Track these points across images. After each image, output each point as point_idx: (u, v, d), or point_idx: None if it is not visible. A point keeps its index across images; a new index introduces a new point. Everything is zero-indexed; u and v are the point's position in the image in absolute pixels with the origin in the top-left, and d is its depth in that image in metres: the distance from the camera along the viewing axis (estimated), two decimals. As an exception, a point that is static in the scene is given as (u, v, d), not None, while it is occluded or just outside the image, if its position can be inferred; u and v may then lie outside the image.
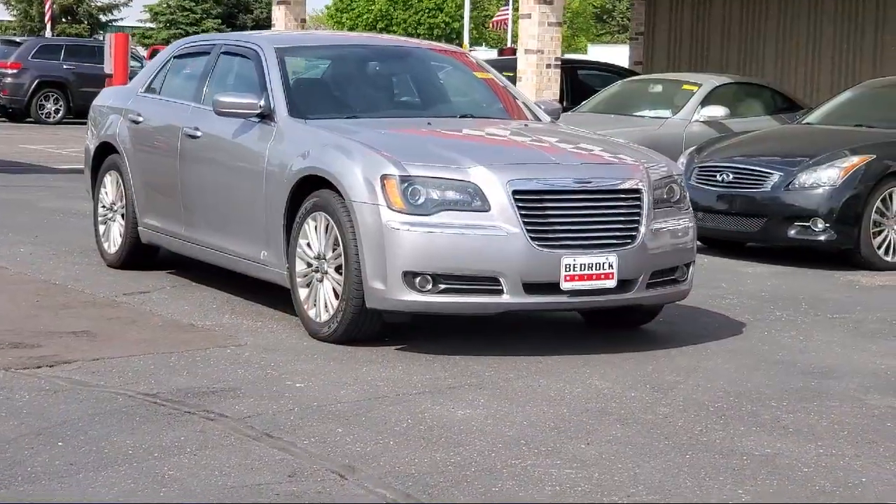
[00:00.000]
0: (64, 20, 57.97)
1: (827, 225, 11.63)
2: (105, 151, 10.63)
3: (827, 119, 13.46)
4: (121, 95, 10.86)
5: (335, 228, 7.79)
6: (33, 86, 31.66)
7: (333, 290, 7.87)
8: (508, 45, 48.32)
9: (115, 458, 5.54)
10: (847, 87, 15.10)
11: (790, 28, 20.14)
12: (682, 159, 12.83)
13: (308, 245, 8.05)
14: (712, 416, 6.58)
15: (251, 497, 5.14)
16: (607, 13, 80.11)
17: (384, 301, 7.59)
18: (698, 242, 12.78)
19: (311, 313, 8.03)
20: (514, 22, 39.83)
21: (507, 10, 50.74)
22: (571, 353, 7.85)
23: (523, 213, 7.54)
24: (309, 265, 8.06)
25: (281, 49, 9.11)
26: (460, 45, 51.37)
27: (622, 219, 7.85)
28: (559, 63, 16.69)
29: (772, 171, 11.97)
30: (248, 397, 6.61)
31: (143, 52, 47.00)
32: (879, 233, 11.78)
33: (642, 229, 7.86)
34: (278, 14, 20.37)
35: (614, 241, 7.78)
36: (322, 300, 7.95)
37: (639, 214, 7.88)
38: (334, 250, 7.85)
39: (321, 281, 7.97)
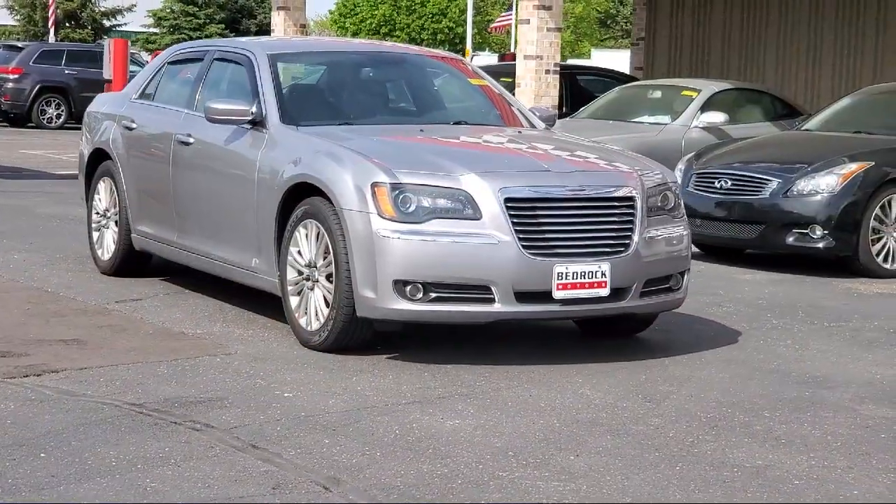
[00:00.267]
0: (67, 25, 57.96)
1: (825, 232, 11.56)
2: (99, 158, 10.57)
3: (826, 125, 13.39)
4: (115, 101, 10.81)
5: (326, 236, 7.73)
6: (35, 91, 31.64)
7: (324, 298, 7.81)
8: (511, 50, 48.24)
9: (98, 470, 5.48)
10: (847, 93, 15.01)
11: (791, 34, 20.08)
12: (681, 166, 12.77)
13: (299, 253, 7.99)
14: (704, 426, 6.52)
15: (233, 510, 5.08)
16: (611, 18, 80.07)
17: (375, 310, 7.53)
18: (696, 249, 12.84)
19: (302, 322, 7.97)
20: (517, 27, 39.75)
21: (510, 15, 50.67)
22: (564, 363, 7.78)
23: (515, 221, 7.48)
24: (300, 273, 8.00)
25: (273, 55, 9.05)
26: (463, 50, 51.33)
27: (615, 226, 7.78)
28: (558, 69, 16.61)
29: (770, 178, 11.90)
30: (236, 407, 6.55)
31: (147, 57, 46.95)
32: (878, 240, 11.72)
33: (636, 237, 7.80)
34: (277, 19, 20.31)
35: (607, 249, 7.71)
36: (313, 308, 7.89)
37: (632, 222, 7.81)
38: (325, 258, 7.79)
39: (312, 289, 7.91)
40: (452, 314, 7.54)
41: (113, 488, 5.25)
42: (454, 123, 9.01)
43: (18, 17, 60.90)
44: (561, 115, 16.81)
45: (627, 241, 7.78)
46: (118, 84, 19.47)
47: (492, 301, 7.49)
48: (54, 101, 31.84)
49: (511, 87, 16.96)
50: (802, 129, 13.66)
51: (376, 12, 67.32)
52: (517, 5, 16.96)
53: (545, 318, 8.04)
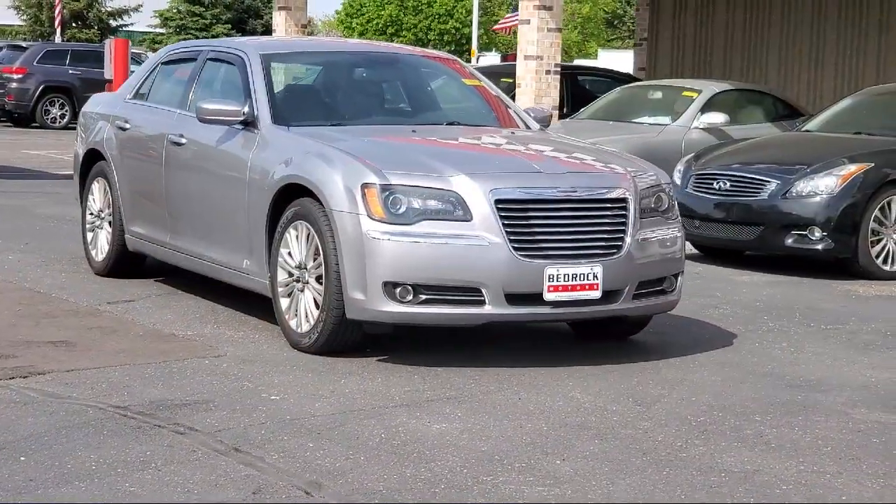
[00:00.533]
0: (74, 25, 57.98)
1: (824, 234, 11.48)
2: (93, 158, 10.53)
3: (826, 126, 13.31)
4: (109, 102, 10.76)
5: (316, 238, 7.68)
6: (39, 91, 31.62)
7: (314, 300, 7.75)
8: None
9: (77, 474, 5.42)
10: (850, 94, 14.93)
11: (793, 35, 20.00)
12: (680, 167, 12.70)
13: (289, 254, 7.93)
14: (694, 430, 6.45)
15: (211, 515, 5.02)
16: (618, 18, 79.96)
17: (364, 312, 7.47)
18: (695, 251, 12.78)
19: (293, 324, 7.91)
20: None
21: (517, 15, 50.59)
22: (556, 365, 7.72)
23: (506, 222, 7.41)
24: (290, 275, 7.94)
25: (266, 55, 8.99)
26: (469, 50, 51.29)
27: (607, 228, 7.72)
28: (559, 69, 16.53)
29: (769, 179, 11.83)
30: (221, 410, 6.49)
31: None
32: (878, 242, 11.63)
33: (628, 239, 7.73)
34: (279, 19, 20.27)
35: (599, 251, 7.64)
36: (303, 310, 7.84)
37: (624, 224, 7.74)
38: (315, 260, 7.73)
39: (302, 291, 7.85)
40: (442, 316, 7.48)
41: (90, 493, 5.20)
42: (448, 124, 8.95)
43: (25, 17, 60.94)
44: (562, 116, 16.77)
45: (620, 243, 7.71)
46: (119, 84, 19.42)
47: (482, 303, 7.43)
48: (58, 100, 31.82)
49: (512, 88, 16.91)
50: (803, 130, 13.58)
51: (383, 12, 67.26)
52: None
53: (536, 321, 7.98)
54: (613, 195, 7.77)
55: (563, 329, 8.74)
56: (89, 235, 10.50)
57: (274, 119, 8.48)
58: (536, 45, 16.15)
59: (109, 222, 10.17)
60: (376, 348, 7.90)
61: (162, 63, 10.30)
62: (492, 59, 47.43)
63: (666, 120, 14.95)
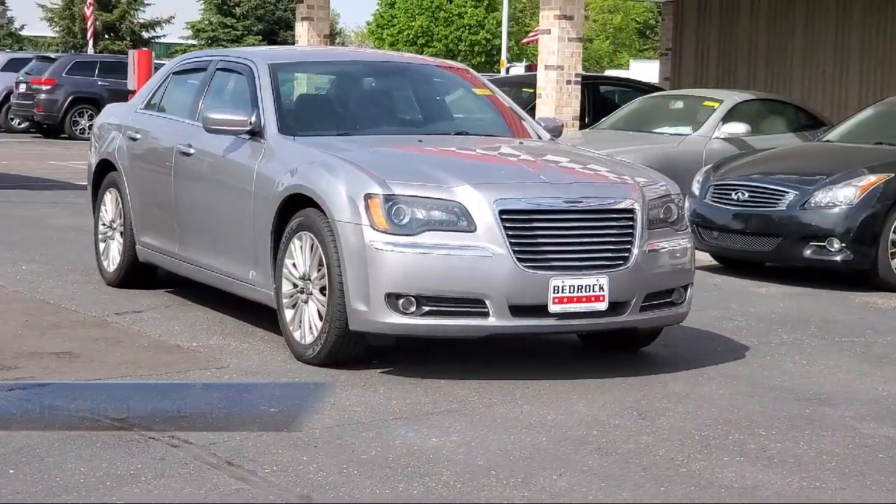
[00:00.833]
0: (107, 37, 58.26)
1: (843, 245, 11.34)
2: (105, 168, 10.50)
3: (847, 137, 13.17)
4: (122, 112, 10.74)
5: (320, 248, 7.61)
6: (67, 102, 31.68)
7: (318, 311, 7.68)
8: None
9: (65, 488, 5.37)
10: (873, 104, 14.76)
11: (817, 44, 19.84)
12: (699, 177, 12.58)
13: (294, 265, 7.87)
14: (696, 445, 6.34)
15: (196, 530, 4.96)
16: (650, 28, 79.74)
17: (367, 323, 7.39)
18: (715, 262, 12.65)
19: (297, 335, 7.84)
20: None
21: (546, 26, 50.36)
22: (561, 378, 7.62)
23: (510, 233, 7.32)
24: (295, 286, 7.87)
25: (274, 65, 8.93)
26: (499, 61, 51.21)
27: (614, 239, 7.61)
28: (580, 79, 16.43)
29: (787, 190, 11.69)
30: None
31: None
32: (898, 253, 11.48)
33: (635, 250, 7.62)
34: (301, 30, 20.24)
35: (606, 263, 7.54)
36: (307, 322, 7.76)
37: (632, 235, 7.64)
38: (319, 271, 7.67)
39: (306, 302, 7.78)
40: (446, 328, 7.40)
41: (76, 506, 5.15)
42: (456, 134, 8.87)
43: (58, 28, 61.28)
44: (583, 126, 16.67)
45: (626, 254, 7.61)
46: (142, 95, 19.42)
47: (486, 315, 7.34)
48: (87, 111, 31.86)
49: (534, 98, 16.83)
50: (823, 140, 13.44)
51: (413, 23, 67.25)
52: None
53: (541, 333, 7.88)
54: (620, 205, 7.67)
55: (571, 341, 8.64)
56: (101, 246, 10.46)
57: (280, 129, 8.42)
58: (557, 54, 16.07)
59: (121, 233, 10.13)
60: (382, 360, 7.82)
61: (173, 73, 10.26)
62: (521, 69, 47.27)
63: (687, 130, 14.82)
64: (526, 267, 7.32)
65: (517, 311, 7.36)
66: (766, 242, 11.73)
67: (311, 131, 8.50)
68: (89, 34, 46.24)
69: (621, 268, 7.56)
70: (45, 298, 9.67)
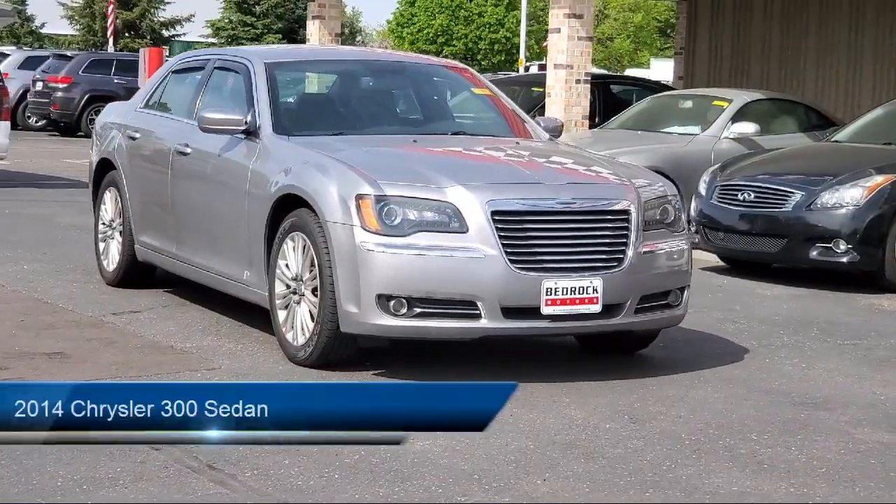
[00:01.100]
0: (127, 35, 58.30)
1: (849, 246, 11.23)
2: (106, 168, 10.47)
3: (856, 137, 13.04)
4: (122, 111, 10.70)
5: (312, 249, 7.55)
6: (84, 100, 31.67)
7: (310, 312, 7.62)
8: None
9: (41, 491, 5.32)
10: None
11: (830, 44, 19.69)
12: (705, 177, 12.49)
13: (287, 266, 7.81)
14: (686, 450, 6.26)
15: (168, 535, 4.90)
16: (671, 27, 79.50)
17: (358, 325, 7.33)
18: (722, 263, 12.55)
19: (289, 336, 7.79)
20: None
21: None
22: (555, 381, 7.54)
23: (502, 234, 7.25)
24: (288, 287, 7.82)
25: (271, 64, 8.88)
26: (517, 60, 51.09)
27: (608, 240, 7.53)
28: (589, 78, 16.33)
29: (794, 191, 11.59)
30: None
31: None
32: (905, 255, 11.36)
33: (630, 252, 7.54)
34: (312, 28, 20.19)
35: (600, 264, 7.46)
36: (299, 323, 7.71)
37: (626, 236, 7.55)
38: (311, 272, 7.61)
39: (298, 303, 7.73)
40: (437, 330, 7.33)
41: (49, 511, 5.09)
42: (452, 134, 8.80)
43: (78, 26, 61.38)
44: (593, 125, 16.57)
45: (621, 256, 7.52)
46: (153, 93, 19.40)
47: (478, 317, 7.27)
48: (103, 110, 31.83)
49: (543, 97, 16.74)
50: (832, 140, 13.32)
51: (433, 22, 67.18)
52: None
53: (534, 335, 7.80)
54: (615, 207, 7.59)
55: (567, 343, 8.55)
56: (101, 245, 10.43)
57: (275, 128, 8.36)
58: (566, 53, 15.97)
59: (120, 232, 10.09)
60: (375, 362, 7.75)
61: (172, 72, 10.22)
62: (538, 68, 47.15)
63: (696, 130, 14.71)
64: (518, 268, 7.25)
65: (509, 312, 7.29)
66: (771, 243, 11.63)
67: (307, 131, 8.44)
68: (109, 32, 46.28)
69: (615, 269, 7.48)
70: (43, 298, 9.63)
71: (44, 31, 65.88)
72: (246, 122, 8.44)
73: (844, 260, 11.29)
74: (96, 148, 10.73)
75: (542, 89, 16.84)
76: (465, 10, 67.20)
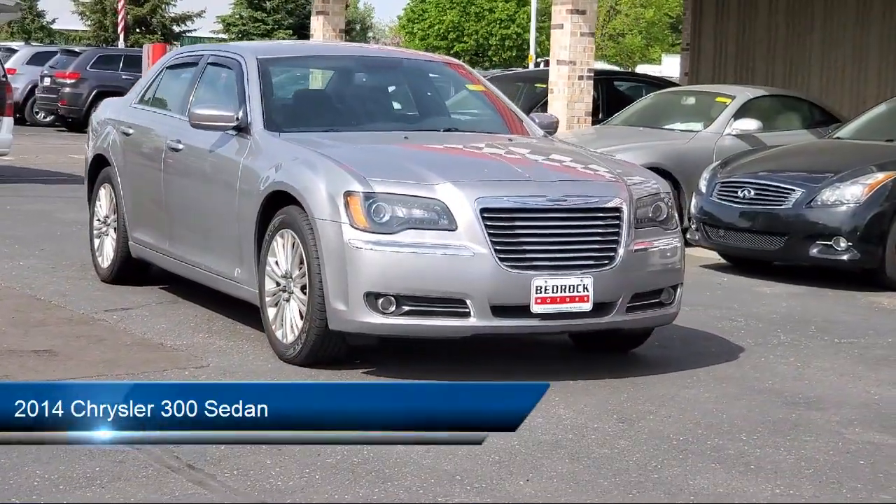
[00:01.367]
0: (138, 31, 58.28)
1: (850, 244, 11.14)
2: (100, 164, 10.42)
3: (858, 134, 12.94)
4: (117, 107, 10.65)
5: (301, 246, 7.49)
6: (91, 95, 31.62)
7: (299, 310, 7.57)
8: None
9: (17, 491, 5.27)
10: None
11: (836, 40, 19.56)
12: (706, 174, 12.40)
13: (277, 263, 7.75)
14: (673, 450, 6.20)
15: (142, 536, 4.85)
16: (682, 23, 79.30)
17: (346, 323, 7.27)
18: (723, 260, 12.46)
19: (279, 334, 7.73)
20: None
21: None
22: (545, 379, 7.39)
23: (491, 232, 7.18)
24: (277, 284, 7.76)
25: (263, 60, 8.82)
26: (527, 56, 50.98)
27: (599, 238, 7.46)
28: (592, 74, 16.24)
29: (794, 188, 11.50)
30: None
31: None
32: (906, 252, 11.26)
33: (621, 249, 7.47)
34: (316, 24, 20.12)
35: (591, 262, 7.39)
36: (288, 321, 7.65)
37: (618, 234, 7.48)
38: (300, 269, 7.55)
39: (288, 301, 7.67)
40: (426, 328, 7.27)
41: (22, 511, 5.05)
42: (445, 130, 8.74)
43: (89, 22, 61.38)
44: (596, 122, 16.48)
45: (612, 254, 7.45)
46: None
47: (467, 315, 7.20)
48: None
49: (546, 93, 16.66)
50: (834, 137, 13.22)
51: (444, 18, 67.10)
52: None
53: (523, 334, 7.73)
54: (606, 204, 7.51)
55: (559, 342, 8.48)
56: (96, 242, 10.38)
57: (266, 125, 8.31)
58: (569, 49, 15.88)
59: (115, 228, 10.04)
60: (366, 360, 7.69)
61: (166, 67, 10.16)
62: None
63: (698, 126, 14.61)
64: (508, 266, 7.18)
65: (499, 311, 7.23)
66: (772, 241, 11.55)
67: (298, 127, 8.38)
68: (120, 28, 46.21)
69: (606, 267, 7.41)
70: (36, 294, 9.58)
71: (55, 26, 65.88)
72: (237, 119, 8.39)
73: (845, 258, 11.21)
74: (91, 144, 10.69)
75: (545, 86, 16.75)
76: (475, 5, 67.09)
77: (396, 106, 9.22)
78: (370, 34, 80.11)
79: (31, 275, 10.41)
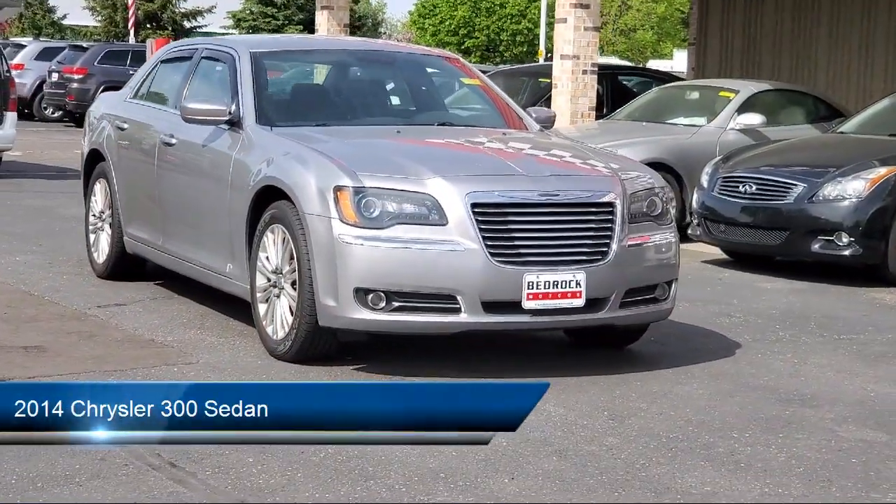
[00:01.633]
0: (148, 26, 58.26)
1: (852, 239, 11.04)
2: (96, 158, 10.36)
3: (861, 128, 12.83)
4: (112, 101, 10.60)
5: (291, 242, 7.42)
6: (99, 91, 31.55)
7: (289, 306, 7.50)
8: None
9: (-7, 489, 5.21)
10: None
11: (842, 35, 19.44)
12: (708, 169, 12.31)
13: (267, 259, 7.69)
14: (662, 448, 6.11)
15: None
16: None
17: (336, 318, 7.20)
18: (725, 256, 12.37)
19: (269, 330, 7.66)
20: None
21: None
22: (538, 376, 7.38)
23: (482, 227, 7.10)
24: (268, 280, 7.69)
25: (256, 54, 8.74)
26: (536, 51, 50.87)
27: (592, 233, 7.37)
28: (596, 69, 16.15)
29: (796, 183, 11.40)
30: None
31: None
32: (908, 247, 11.15)
33: (615, 245, 7.38)
34: (321, 19, 20.05)
35: (583, 258, 7.31)
36: (279, 317, 7.58)
37: (611, 229, 7.40)
38: (290, 264, 7.48)
39: (278, 297, 7.61)
40: (416, 324, 7.19)
41: (-3, 509, 4.98)
42: (439, 124, 8.65)
43: (100, 18, 61.39)
44: (600, 116, 16.39)
45: (605, 249, 7.37)
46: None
47: (458, 311, 7.13)
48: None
49: (550, 88, 16.57)
50: (837, 131, 13.12)
51: (455, 13, 66.99)
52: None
53: (515, 330, 7.65)
54: (599, 199, 7.43)
55: (554, 337, 8.40)
56: (91, 237, 10.33)
57: (258, 119, 8.24)
58: (573, 44, 15.78)
59: (110, 224, 9.98)
60: (357, 357, 7.62)
61: (161, 62, 10.10)
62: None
63: (701, 121, 14.51)
64: (499, 262, 7.11)
65: (490, 307, 7.15)
66: (773, 236, 11.45)
67: (290, 122, 8.31)
68: (131, 24, 46.19)
69: (599, 263, 7.33)
70: (30, 290, 9.53)
71: (65, 22, 65.90)
72: (230, 113, 8.32)
73: (847, 253, 11.11)
74: (87, 138, 10.64)
75: (549, 80, 16.66)
76: (486, 1, 66.98)
77: (390, 100, 9.14)
78: (382, 30, 79.96)
79: (27, 270, 10.35)
